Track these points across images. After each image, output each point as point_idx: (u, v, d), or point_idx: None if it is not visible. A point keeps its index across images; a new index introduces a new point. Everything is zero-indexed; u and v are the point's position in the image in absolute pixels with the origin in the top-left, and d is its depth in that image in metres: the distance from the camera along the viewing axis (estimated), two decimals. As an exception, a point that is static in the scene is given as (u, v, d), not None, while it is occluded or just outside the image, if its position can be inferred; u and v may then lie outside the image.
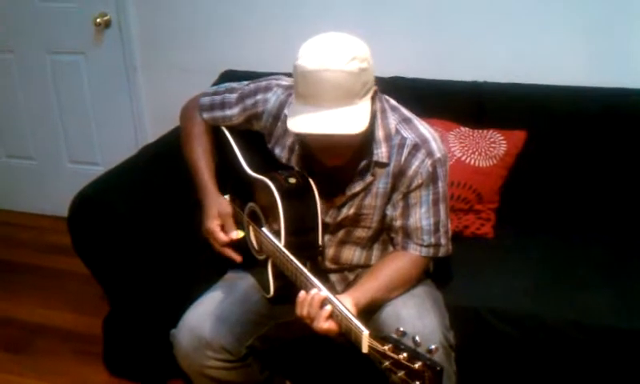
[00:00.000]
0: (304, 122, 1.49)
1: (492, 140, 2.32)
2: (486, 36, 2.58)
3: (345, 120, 1.48)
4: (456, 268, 2.00)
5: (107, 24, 3.08)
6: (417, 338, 1.30)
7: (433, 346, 1.30)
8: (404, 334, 1.33)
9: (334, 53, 1.47)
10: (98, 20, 3.04)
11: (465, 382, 1.76)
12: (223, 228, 1.79)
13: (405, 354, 1.28)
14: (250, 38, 2.89)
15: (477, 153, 2.30)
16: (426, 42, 2.66)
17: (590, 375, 1.87)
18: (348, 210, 1.74)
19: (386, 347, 1.31)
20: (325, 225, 1.75)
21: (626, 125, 2.30)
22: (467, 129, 2.36)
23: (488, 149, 2.30)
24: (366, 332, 1.37)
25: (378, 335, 1.37)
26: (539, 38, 2.52)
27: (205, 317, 1.74)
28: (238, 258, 1.78)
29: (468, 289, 1.98)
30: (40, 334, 2.69)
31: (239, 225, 1.81)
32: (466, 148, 2.31)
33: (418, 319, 1.64)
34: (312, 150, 1.64)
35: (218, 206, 1.81)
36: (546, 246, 2.21)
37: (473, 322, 1.90)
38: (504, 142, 2.31)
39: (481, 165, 2.29)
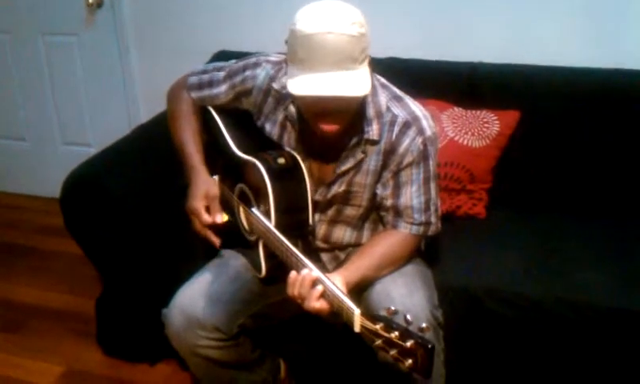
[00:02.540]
0: (307, 84, 1.47)
1: (485, 120, 2.32)
2: (480, 17, 2.57)
3: (347, 83, 1.47)
4: (448, 248, 2.01)
5: (99, 4, 3.06)
6: (408, 317, 1.30)
7: (424, 325, 1.30)
8: (395, 312, 1.34)
9: (335, 16, 1.46)
10: (90, 0, 3.03)
11: (457, 361, 1.77)
12: (208, 210, 1.75)
13: (396, 333, 1.28)
14: (243, 18, 2.88)
15: (470, 133, 2.30)
16: (421, 23, 2.65)
17: (582, 355, 1.88)
18: (338, 188, 1.74)
19: (377, 326, 1.31)
20: (315, 203, 1.75)
21: (619, 105, 2.29)
22: (460, 109, 2.36)
23: (481, 129, 2.30)
24: (357, 311, 1.36)
25: (370, 314, 1.37)
26: (533, 19, 2.51)
27: (196, 296, 1.74)
28: (217, 241, 1.75)
29: (460, 269, 1.98)
30: (34, 315, 2.70)
31: (227, 209, 1.80)
32: (458, 128, 2.31)
33: (407, 297, 1.64)
34: (308, 116, 1.61)
35: (206, 187, 1.77)
36: (538, 226, 2.22)
37: (465, 301, 1.91)
38: (497, 122, 2.31)
39: (474, 145, 2.29)
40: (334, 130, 1.59)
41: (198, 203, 1.75)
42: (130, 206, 2.14)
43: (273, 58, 1.80)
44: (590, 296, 1.86)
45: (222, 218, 1.75)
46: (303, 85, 1.47)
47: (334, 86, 1.46)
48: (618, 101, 2.30)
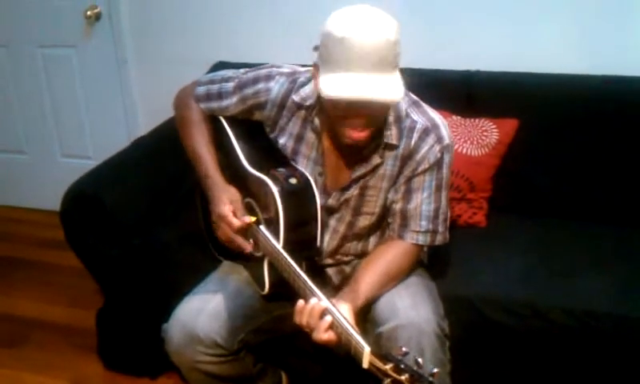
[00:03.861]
0: (343, 87, 1.45)
1: (484, 129, 2.32)
2: (477, 25, 2.57)
3: (384, 87, 1.46)
4: (449, 257, 2.01)
5: (97, 17, 3.06)
6: (419, 360, 1.28)
7: (435, 370, 1.28)
8: (406, 353, 1.32)
9: (374, 19, 1.46)
10: (89, 13, 3.03)
11: (459, 371, 1.76)
12: (235, 214, 1.73)
13: (406, 375, 1.26)
14: (241, 29, 2.88)
15: (469, 142, 2.30)
16: (418, 31, 2.64)
17: (584, 362, 1.88)
18: (353, 192, 1.73)
19: (387, 366, 1.30)
20: (328, 208, 1.73)
21: (617, 112, 2.30)
22: (459, 118, 2.36)
23: (480, 138, 2.30)
24: (367, 349, 1.35)
25: (380, 353, 1.35)
26: (531, 27, 2.51)
27: (196, 312, 1.73)
28: (248, 246, 1.72)
29: (461, 278, 1.98)
30: (35, 328, 2.69)
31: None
32: (457, 137, 2.31)
33: (413, 309, 1.63)
34: (338, 123, 1.58)
35: (227, 193, 1.75)
36: (538, 234, 2.21)
37: (466, 310, 1.90)
38: (496, 130, 2.31)
39: (473, 154, 2.29)
40: (362, 137, 1.57)
41: (224, 209, 1.72)
42: (130, 219, 2.14)
43: (285, 70, 1.78)
44: (591, 304, 1.86)
45: (249, 218, 1.72)
46: (339, 87, 1.45)
47: (372, 88, 1.44)
48: (616, 107, 2.31)
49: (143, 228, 2.17)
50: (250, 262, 1.78)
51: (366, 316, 1.67)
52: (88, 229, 2.15)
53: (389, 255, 1.71)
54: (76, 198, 2.14)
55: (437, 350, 1.60)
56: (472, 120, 2.35)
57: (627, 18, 2.41)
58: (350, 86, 1.44)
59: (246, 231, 1.75)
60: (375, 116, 1.55)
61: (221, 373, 1.77)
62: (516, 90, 2.41)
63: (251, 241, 1.74)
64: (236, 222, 1.71)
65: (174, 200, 2.22)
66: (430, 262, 1.90)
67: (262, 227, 1.70)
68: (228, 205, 1.73)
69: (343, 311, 1.49)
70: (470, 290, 1.93)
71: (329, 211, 1.76)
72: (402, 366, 1.28)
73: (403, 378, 1.26)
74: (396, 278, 1.71)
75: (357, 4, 1.52)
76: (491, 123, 2.33)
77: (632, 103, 2.29)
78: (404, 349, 1.33)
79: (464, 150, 2.29)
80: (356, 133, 1.56)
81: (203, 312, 1.73)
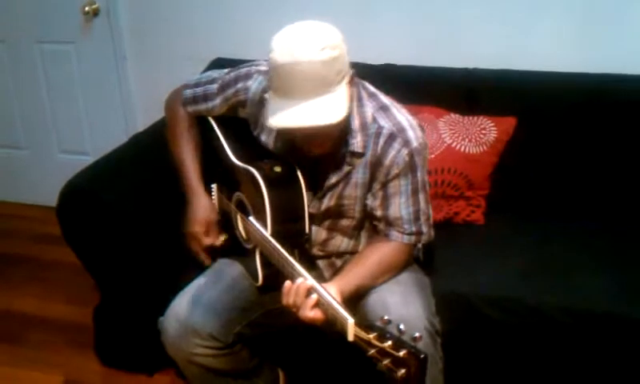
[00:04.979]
0: (283, 117, 1.49)
1: (482, 127, 2.32)
2: (476, 23, 2.57)
3: (322, 110, 1.48)
4: (446, 255, 2.01)
5: (96, 13, 3.06)
6: (401, 327, 1.31)
7: (417, 334, 1.31)
8: (389, 322, 1.34)
9: (304, 44, 1.46)
10: (87, 8, 3.02)
11: (456, 368, 1.76)
12: (207, 233, 1.85)
13: (390, 342, 1.29)
14: (239, 25, 2.88)
15: (467, 139, 2.30)
16: (417, 29, 2.65)
17: (582, 361, 1.88)
18: (329, 201, 1.74)
19: (371, 335, 1.32)
20: (310, 216, 1.75)
21: (616, 110, 2.30)
22: (457, 115, 2.36)
23: (478, 135, 2.30)
24: (351, 320, 1.37)
25: (364, 323, 1.37)
26: (529, 25, 2.51)
27: (191, 304, 1.74)
28: (207, 261, 1.87)
29: (458, 275, 1.98)
30: (32, 325, 2.69)
31: (224, 218, 1.85)
32: (456, 134, 2.31)
33: (403, 306, 1.64)
34: (295, 142, 1.65)
35: (204, 211, 1.85)
36: (536, 233, 2.21)
37: (463, 308, 1.91)
38: (494, 128, 2.31)
39: (471, 151, 2.29)
40: (323, 151, 1.63)
41: (198, 228, 1.84)
42: (126, 215, 2.13)
43: (263, 68, 1.79)
44: (589, 302, 1.86)
45: (220, 240, 1.85)
46: (280, 117, 1.50)
47: (308, 115, 1.47)
48: (615, 105, 2.31)
49: (140, 224, 2.16)
50: (244, 256, 1.80)
51: (355, 312, 1.67)
52: (85, 225, 2.14)
53: (380, 250, 1.72)
54: (73, 193, 2.14)
55: (429, 346, 1.60)
56: (470, 118, 2.34)
57: (625, 16, 2.41)
58: (286, 115, 1.49)
59: (230, 222, 1.84)
60: (322, 135, 1.57)
61: (217, 366, 1.78)
62: (515, 88, 2.41)
63: (241, 232, 1.80)
64: (206, 241, 1.85)
65: (170, 196, 2.21)
66: (428, 259, 1.90)
67: (251, 218, 1.72)
68: (203, 226, 1.86)
69: (330, 291, 1.50)
70: (467, 288, 1.93)
71: (312, 220, 1.77)
72: (386, 335, 1.30)
73: (386, 345, 1.29)
74: (387, 273, 1.72)
75: (303, 21, 1.54)
76: (489, 121, 2.32)
77: (631, 101, 2.29)
78: (386, 317, 1.35)
79: (462, 148, 2.29)
80: (315, 148, 1.62)
81: (199, 304, 1.75)
